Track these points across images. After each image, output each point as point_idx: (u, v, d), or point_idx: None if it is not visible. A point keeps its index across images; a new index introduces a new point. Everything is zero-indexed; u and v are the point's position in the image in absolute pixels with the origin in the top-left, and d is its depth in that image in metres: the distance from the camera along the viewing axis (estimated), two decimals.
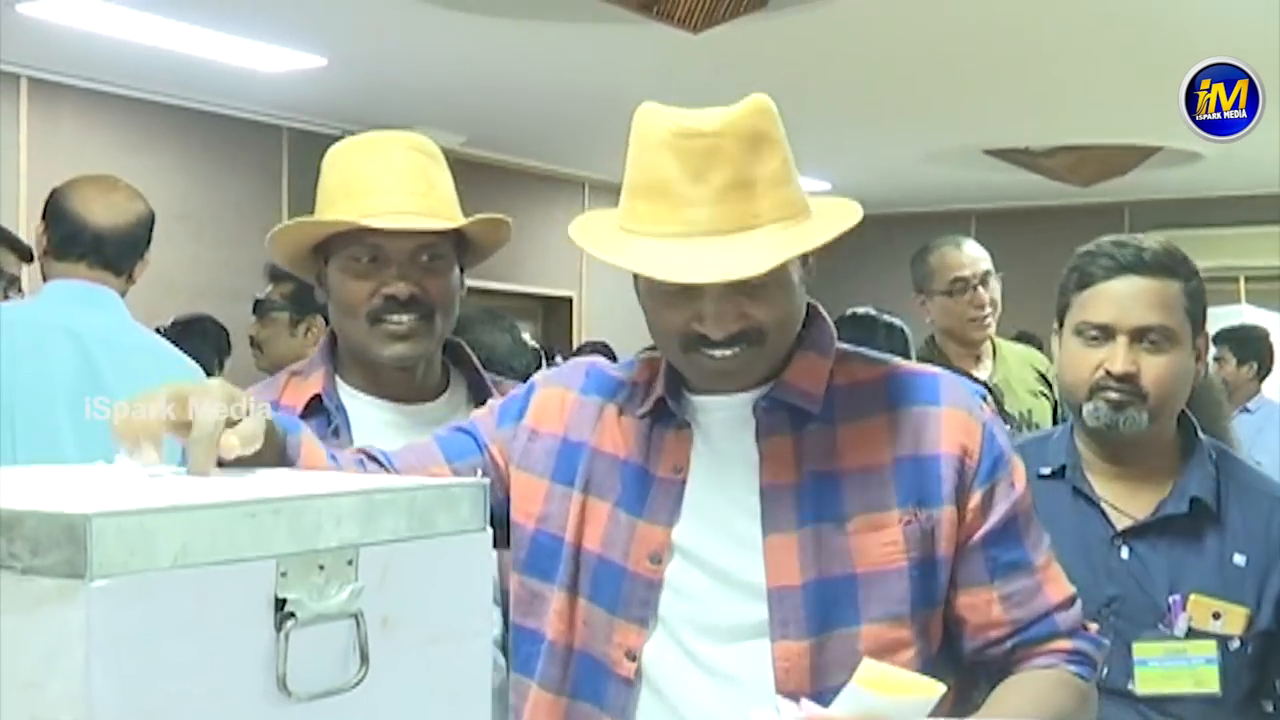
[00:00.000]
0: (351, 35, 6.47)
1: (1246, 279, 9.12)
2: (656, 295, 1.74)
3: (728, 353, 1.74)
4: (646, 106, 1.74)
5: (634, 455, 1.85)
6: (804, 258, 1.77)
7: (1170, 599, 2.18)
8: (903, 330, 3.78)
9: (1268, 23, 5.80)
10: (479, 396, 2.27)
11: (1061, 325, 2.33)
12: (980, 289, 4.17)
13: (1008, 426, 4.05)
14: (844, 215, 1.76)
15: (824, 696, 1.52)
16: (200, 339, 5.12)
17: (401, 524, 1.18)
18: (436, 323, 2.21)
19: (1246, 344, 7.22)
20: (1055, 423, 3.92)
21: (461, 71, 7.19)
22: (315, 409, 2.19)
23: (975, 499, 1.78)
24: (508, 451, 1.90)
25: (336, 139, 5.54)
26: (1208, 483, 2.26)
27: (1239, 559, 2.15)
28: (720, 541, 1.78)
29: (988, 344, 4.23)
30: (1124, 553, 2.24)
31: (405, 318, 2.17)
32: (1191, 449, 2.31)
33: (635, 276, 1.77)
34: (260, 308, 4.17)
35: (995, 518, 1.78)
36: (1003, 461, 1.81)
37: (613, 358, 7.18)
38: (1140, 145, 8.82)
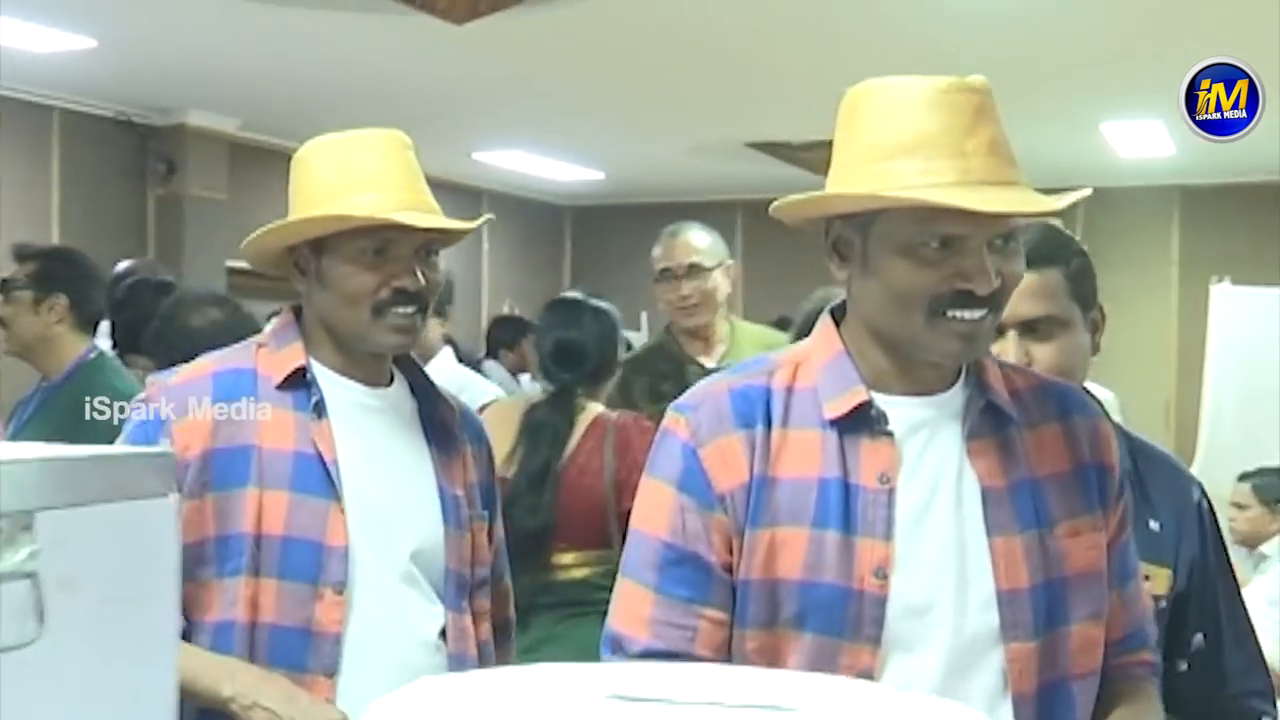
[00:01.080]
0: (121, 18, 6.34)
1: None
2: (914, 255, 1.66)
3: (980, 313, 1.68)
4: (872, 82, 1.74)
5: (825, 469, 1.74)
6: None
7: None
8: (609, 314, 3.78)
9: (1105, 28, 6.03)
10: (417, 384, 2.36)
11: None
12: (683, 280, 4.16)
13: None
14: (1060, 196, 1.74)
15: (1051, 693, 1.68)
16: None
17: (84, 490, 1.22)
18: (428, 314, 2.28)
19: None
20: None
21: (235, 56, 7.10)
22: (296, 382, 2.22)
23: (1120, 508, 1.84)
24: (731, 525, 1.75)
25: (110, 120, 5.44)
26: (1123, 457, 2.27)
27: (1154, 524, 2.17)
28: (941, 549, 1.72)
29: (721, 329, 4.24)
30: None
31: (409, 309, 2.22)
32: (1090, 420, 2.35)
33: (869, 252, 1.71)
34: (4, 287, 4.11)
35: (1126, 527, 1.85)
36: (1125, 476, 1.87)
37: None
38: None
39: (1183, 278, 10.14)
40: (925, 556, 1.72)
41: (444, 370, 4.30)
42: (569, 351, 3.61)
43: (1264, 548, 5.18)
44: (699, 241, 4.25)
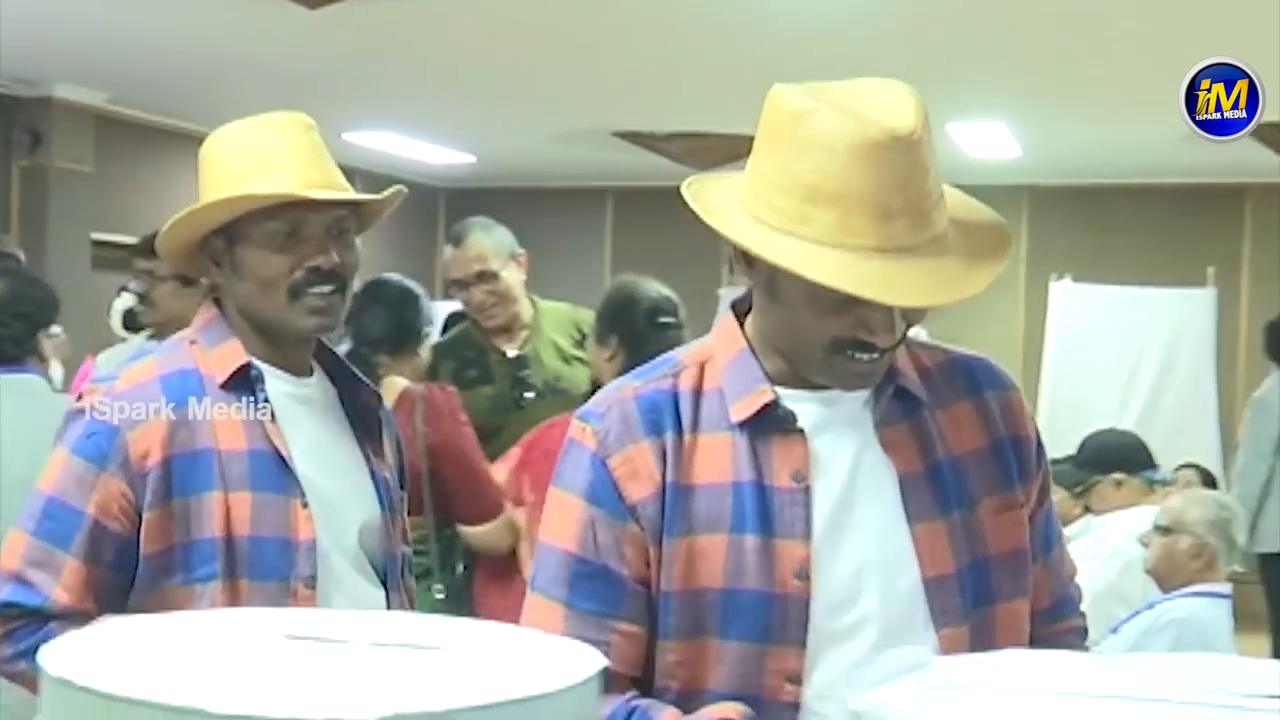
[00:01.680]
0: None
1: None
2: (820, 302, 1.61)
3: (879, 354, 1.66)
4: (803, 102, 1.59)
5: (737, 473, 1.70)
6: None
7: None
8: (410, 291, 3.79)
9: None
10: (334, 370, 2.32)
11: None
12: (474, 288, 4.18)
13: (530, 394, 4.09)
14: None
15: None
16: None
17: None
18: (347, 294, 2.22)
19: None
20: (595, 387, 4.02)
21: (103, 30, 7.07)
22: (239, 379, 2.15)
23: (1040, 477, 1.82)
24: (645, 537, 1.72)
25: None
26: None
27: None
28: (862, 544, 1.69)
29: (525, 315, 4.24)
30: None
31: (326, 289, 2.17)
32: None
33: (776, 279, 1.64)
34: None
35: (1046, 497, 1.83)
36: (1040, 444, 1.84)
37: None
38: (750, 135, 9.26)
39: (1029, 275, 10.42)
40: (846, 552, 1.68)
41: None
42: (363, 325, 3.68)
43: (1067, 530, 5.40)
44: (483, 246, 4.21)
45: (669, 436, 1.72)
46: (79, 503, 2.06)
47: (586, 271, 10.67)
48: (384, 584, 2.27)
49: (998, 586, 1.72)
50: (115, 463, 2.07)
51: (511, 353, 4.15)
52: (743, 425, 1.71)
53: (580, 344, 4.17)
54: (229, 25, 6.74)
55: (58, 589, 2.03)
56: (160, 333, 4.17)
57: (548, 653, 1.34)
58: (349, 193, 2.20)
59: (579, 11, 6.50)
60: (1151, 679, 1.29)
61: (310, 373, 2.28)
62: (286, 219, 2.13)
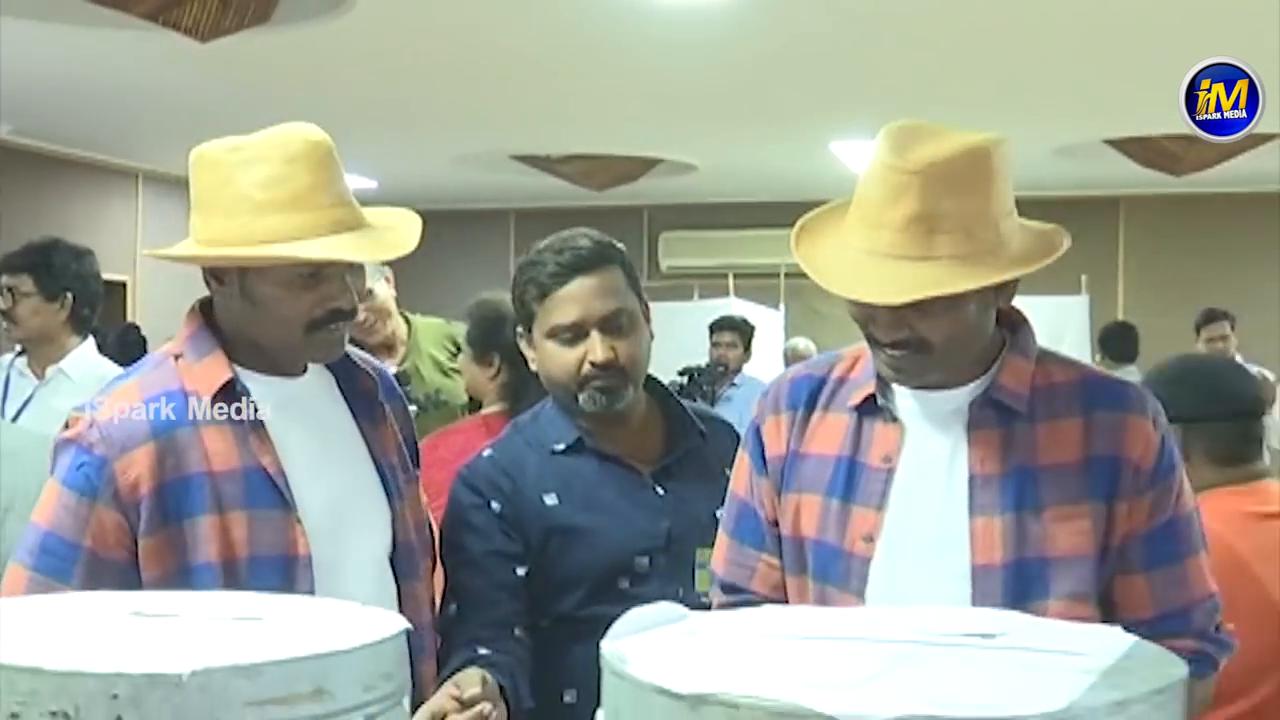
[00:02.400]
0: None
1: (735, 275, 9.91)
2: (850, 308, 1.88)
3: (895, 353, 1.87)
4: (890, 127, 1.84)
5: (843, 448, 1.97)
6: (1006, 283, 1.85)
7: (716, 513, 2.25)
8: None
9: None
10: (338, 367, 2.26)
11: (530, 331, 2.41)
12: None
13: (414, 409, 4.27)
14: (1033, 254, 1.84)
15: None
16: None
17: None
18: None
19: (743, 331, 8.03)
20: (471, 398, 4.04)
21: (3, 64, 7.17)
22: (227, 394, 2.09)
23: (1147, 498, 1.89)
24: (772, 488, 2.04)
25: None
26: (691, 422, 2.48)
27: (729, 473, 2.29)
28: (927, 523, 1.89)
29: (400, 331, 4.29)
30: (659, 491, 2.40)
31: (341, 325, 2.15)
32: (666, 397, 2.51)
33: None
34: None
35: (1159, 515, 1.89)
36: (1172, 469, 1.92)
37: (141, 339, 7.29)
38: (644, 156, 9.50)
39: None
40: (910, 528, 1.90)
41: (86, 361, 4.32)
42: None
43: None
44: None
45: (800, 412, 2.03)
46: (74, 536, 2.02)
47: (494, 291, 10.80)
48: (396, 574, 2.22)
49: (1052, 584, 1.86)
50: (106, 494, 2.02)
51: (393, 370, 4.24)
52: (857, 409, 1.98)
53: (456, 355, 4.25)
54: (124, 58, 6.85)
55: None
56: (36, 355, 4.29)
57: (357, 621, 1.50)
58: (373, 225, 2.13)
59: (472, 40, 6.67)
60: (879, 625, 1.47)
61: (304, 370, 2.22)
62: (312, 263, 2.07)
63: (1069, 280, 9.93)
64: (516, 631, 2.33)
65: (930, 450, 1.93)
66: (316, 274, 2.08)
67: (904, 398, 1.96)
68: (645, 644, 1.34)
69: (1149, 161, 8.86)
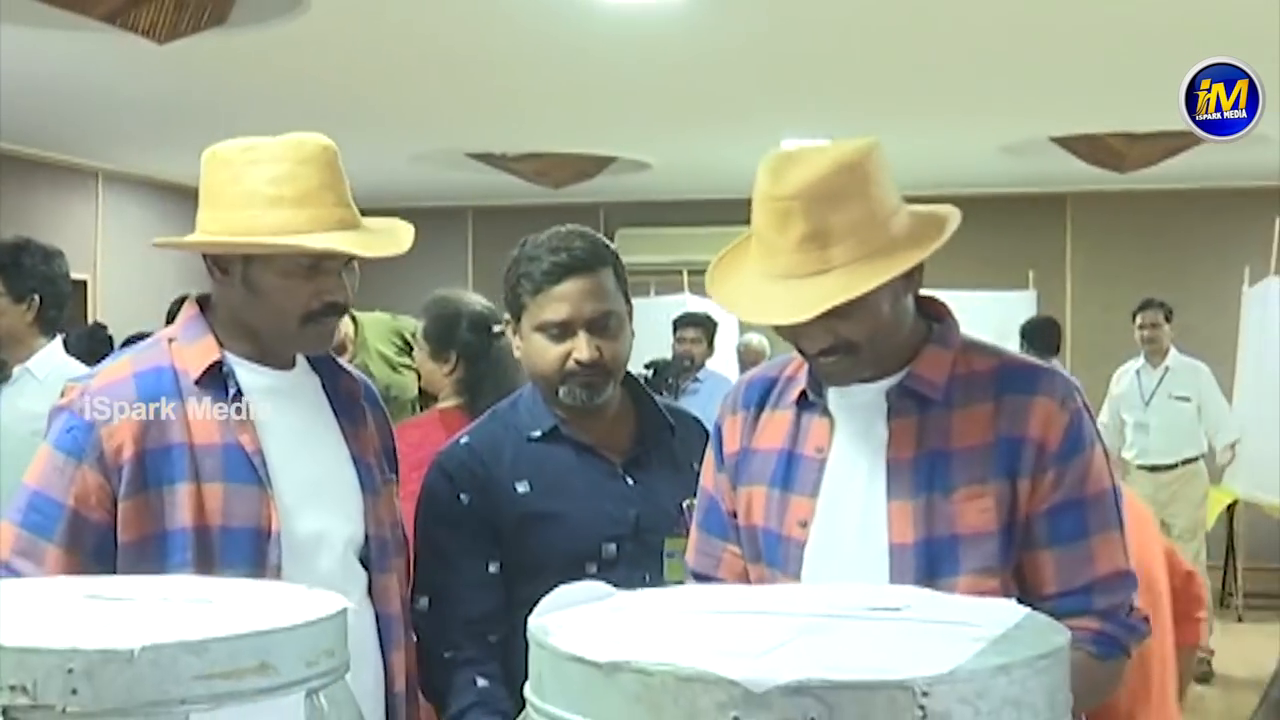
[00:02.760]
0: None
1: (689, 272, 9.99)
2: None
3: (825, 359, 1.97)
4: (765, 159, 1.94)
5: (785, 442, 2.08)
6: (911, 273, 1.94)
7: (683, 504, 2.41)
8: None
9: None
10: (317, 361, 2.35)
11: (519, 321, 2.49)
12: None
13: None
14: (925, 239, 1.92)
15: None
16: None
17: None
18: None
19: (707, 327, 8.13)
20: (421, 393, 4.13)
21: None
22: (213, 376, 2.20)
23: (1049, 475, 1.95)
24: (729, 483, 2.15)
25: None
26: (662, 416, 2.57)
27: (696, 466, 2.37)
28: (853, 508, 1.99)
29: (347, 331, 4.34)
30: (629, 481, 2.49)
31: (334, 319, 2.26)
32: (639, 391, 2.61)
33: None
34: None
35: (1062, 493, 1.95)
36: (1080, 448, 1.97)
37: (108, 338, 7.32)
38: (598, 155, 9.56)
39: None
40: (837, 514, 2.00)
41: (52, 361, 4.33)
42: None
43: None
44: None
45: (752, 411, 2.15)
46: (59, 495, 2.12)
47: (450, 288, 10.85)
48: (367, 565, 2.30)
49: (961, 561, 1.93)
50: (91, 456, 2.12)
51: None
52: (796, 405, 2.09)
53: (404, 351, 4.31)
54: (83, 59, 6.86)
55: (43, 576, 2.06)
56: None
57: (300, 602, 1.58)
58: (369, 229, 2.25)
59: (427, 40, 6.72)
60: (794, 600, 1.56)
61: (293, 365, 2.32)
62: (313, 255, 2.19)
63: (1017, 276, 10.09)
64: (491, 638, 2.40)
65: (857, 439, 2.03)
66: (316, 267, 2.19)
67: (834, 392, 2.06)
68: (568, 618, 1.42)
69: (1094, 159, 8.98)
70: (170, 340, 2.26)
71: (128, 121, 8.55)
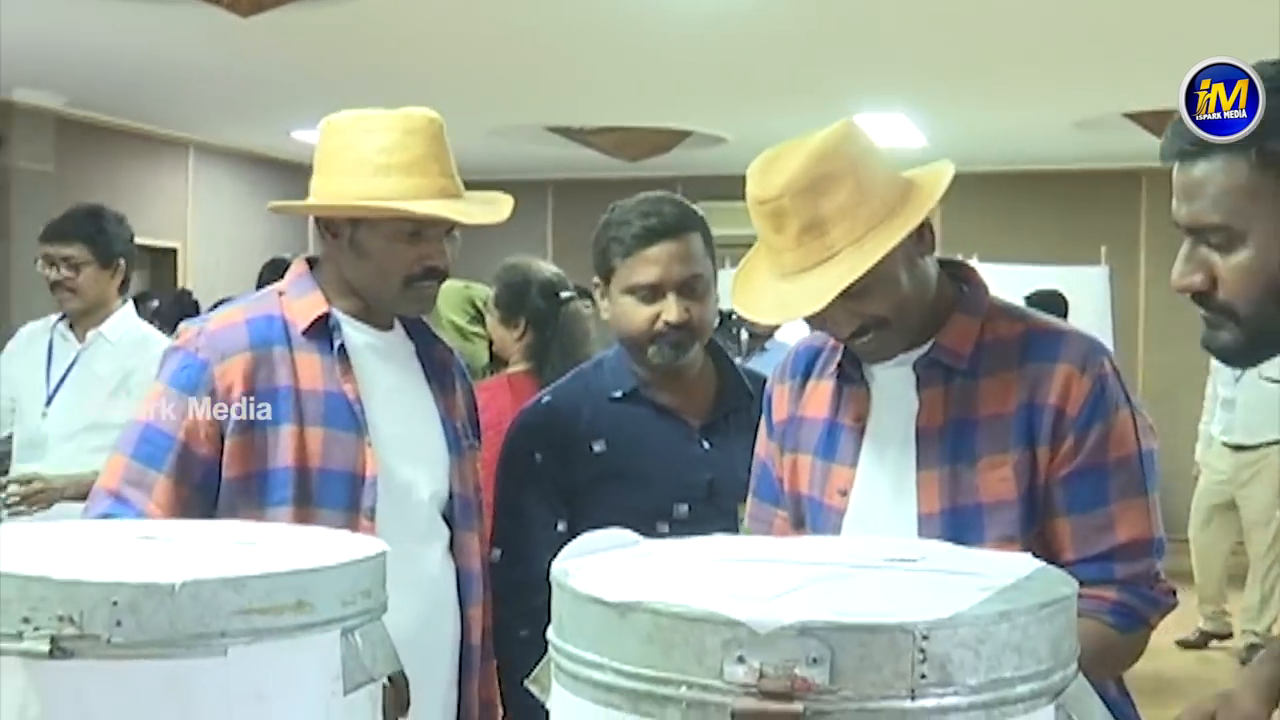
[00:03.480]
0: None
1: None
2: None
3: (860, 341, 1.97)
4: (751, 167, 1.93)
5: (828, 411, 2.09)
6: (920, 235, 1.94)
7: None
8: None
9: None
10: (413, 327, 2.45)
11: (608, 284, 2.54)
12: None
13: None
14: (918, 202, 1.92)
15: None
16: None
17: None
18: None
19: None
20: (492, 358, 4.20)
21: (56, 39, 7.30)
22: (320, 328, 2.29)
23: (1068, 442, 1.92)
24: (779, 449, 2.18)
25: None
26: (742, 383, 2.60)
27: None
28: (887, 477, 2.00)
29: None
30: (705, 445, 2.54)
31: (434, 283, 2.35)
32: (721, 357, 2.65)
33: None
34: None
35: (1081, 459, 1.92)
36: (1102, 414, 1.93)
37: (194, 304, 7.46)
38: (674, 129, 9.56)
39: (944, 254, 10.73)
40: (873, 482, 2.02)
41: (125, 323, 4.35)
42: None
43: None
44: None
45: (799, 380, 2.16)
46: (171, 428, 2.21)
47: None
48: (450, 522, 2.38)
49: (985, 530, 1.93)
50: (203, 393, 2.21)
51: None
52: (836, 375, 2.09)
53: (476, 319, 4.36)
54: (169, 32, 6.96)
55: (150, 505, 2.17)
56: (80, 319, 4.28)
57: (342, 545, 1.62)
58: (471, 200, 2.35)
59: (505, 14, 6.75)
60: (816, 551, 1.58)
61: (392, 327, 2.41)
62: (417, 221, 2.27)
63: (1090, 251, 9.97)
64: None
65: (891, 409, 2.03)
66: (418, 233, 2.29)
67: (879, 365, 2.06)
68: (592, 562, 1.45)
69: None
70: (280, 293, 2.36)
71: (215, 94, 8.66)
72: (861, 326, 1.96)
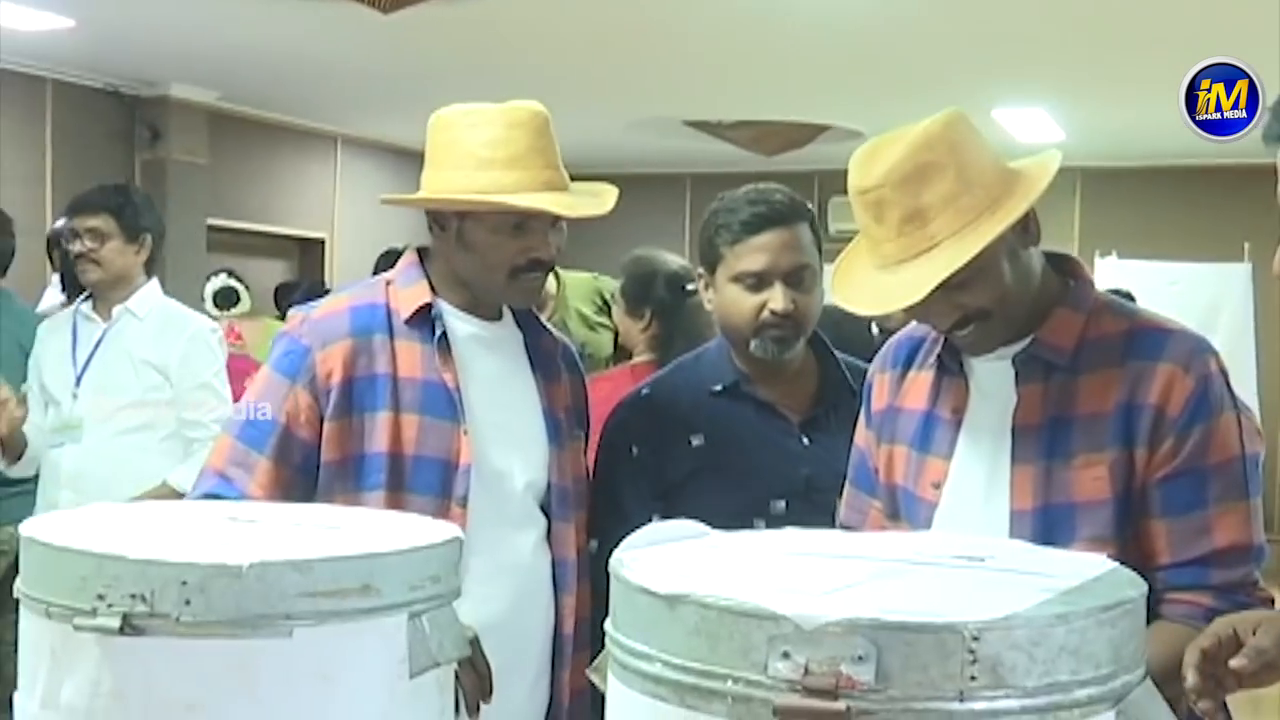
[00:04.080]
0: (92, 3, 6.72)
1: None
2: None
3: (961, 333, 1.94)
4: (854, 155, 1.90)
5: (926, 403, 2.06)
6: (1024, 226, 1.89)
7: None
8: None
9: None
10: (522, 318, 2.45)
11: (713, 273, 2.49)
12: None
13: None
14: (1022, 192, 1.87)
15: None
16: None
17: None
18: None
19: None
20: (617, 349, 4.16)
21: (208, 36, 7.43)
22: (423, 317, 2.31)
23: (1168, 444, 1.86)
24: (875, 439, 2.16)
25: (100, 91, 5.54)
26: (844, 378, 2.54)
27: None
28: (981, 472, 1.96)
29: (549, 286, 4.27)
30: (805, 440, 2.48)
31: (540, 274, 2.34)
32: (825, 352, 2.58)
33: None
34: None
35: (1180, 461, 1.86)
36: (1205, 416, 1.87)
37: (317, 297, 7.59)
38: (811, 123, 9.48)
39: (1081, 252, 10.50)
40: (967, 476, 1.97)
41: (151, 299, 4.21)
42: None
43: None
44: None
45: (900, 370, 2.14)
46: (274, 412, 2.24)
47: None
48: (547, 512, 2.37)
49: (1077, 529, 1.87)
50: (305, 378, 2.24)
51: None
52: (936, 367, 2.06)
53: (603, 310, 4.36)
54: (316, 28, 7.06)
55: (253, 485, 2.20)
56: (104, 295, 4.12)
57: (418, 530, 1.62)
58: (576, 192, 2.33)
59: (641, 9, 6.75)
60: (886, 547, 1.54)
61: (500, 318, 2.41)
62: (521, 214, 2.27)
63: (1233, 248, 9.67)
64: None
65: (989, 404, 1.98)
66: (522, 225, 2.28)
67: (969, 358, 2.02)
68: (651, 553, 1.43)
69: None
70: (388, 283, 2.37)
71: (360, 88, 8.77)
72: (962, 318, 1.92)
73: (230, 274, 7.44)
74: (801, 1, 6.46)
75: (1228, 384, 1.94)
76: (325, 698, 1.42)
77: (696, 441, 2.49)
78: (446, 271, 2.36)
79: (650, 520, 2.41)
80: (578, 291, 4.44)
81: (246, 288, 7.43)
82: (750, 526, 2.33)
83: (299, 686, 1.41)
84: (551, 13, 6.82)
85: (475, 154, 2.25)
